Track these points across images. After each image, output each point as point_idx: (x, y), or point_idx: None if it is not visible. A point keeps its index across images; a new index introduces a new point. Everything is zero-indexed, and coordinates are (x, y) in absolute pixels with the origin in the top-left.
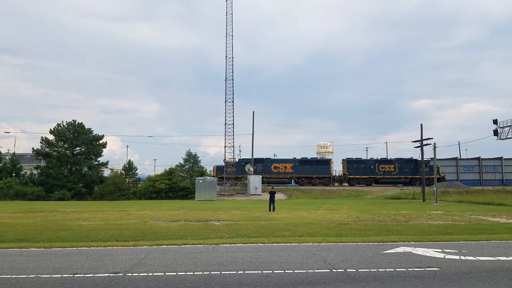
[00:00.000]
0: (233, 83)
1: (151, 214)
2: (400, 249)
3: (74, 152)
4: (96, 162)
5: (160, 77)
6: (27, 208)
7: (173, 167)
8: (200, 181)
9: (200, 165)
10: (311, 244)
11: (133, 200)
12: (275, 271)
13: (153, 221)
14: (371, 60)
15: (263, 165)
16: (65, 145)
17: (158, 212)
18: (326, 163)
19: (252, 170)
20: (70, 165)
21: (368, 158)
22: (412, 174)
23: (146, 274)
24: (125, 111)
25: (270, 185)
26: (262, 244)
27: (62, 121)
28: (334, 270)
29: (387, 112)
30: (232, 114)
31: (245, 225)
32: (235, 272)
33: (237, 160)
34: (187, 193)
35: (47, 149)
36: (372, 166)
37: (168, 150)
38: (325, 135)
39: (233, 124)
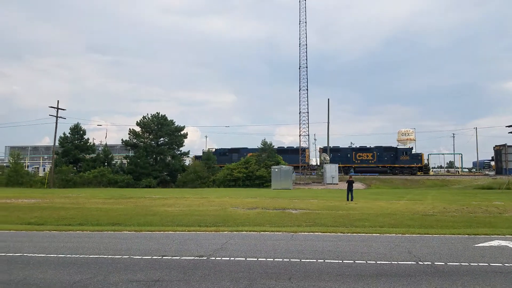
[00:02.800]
0: (307, 71)
1: (230, 202)
2: (495, 243)
3: (159, 143)
4: (178, 152)
5: (234, 68)
6: (118, 194)
7: (249, 156)
8: (276, 169)
9: (276, 154)
10: (393, 235)
11: (212, 188)
12: (356, 261)
13: (232, 208)
14: (455, 40)
15: (238, 155)
16: (150, 136)
17: (237, 199)
18: (302, 152)
19: (328, 159)
20: (155, 154)
21: (346, 146)
22: (392, 163)
23: (228, 258)
24: (202, 103)
25: (349, 174)
26: (342, 234)
27: (147, 114)
28: (420, 263)
29: (475, 95)
30: (306, 102)
31: (323, 214)
32: (315, 260)
33: (214, 150)
34: (263, 182)
35: (135, 140)
36: (348, 155)
37: (244, 139)
38: (405, 122)
39: (308, 112)
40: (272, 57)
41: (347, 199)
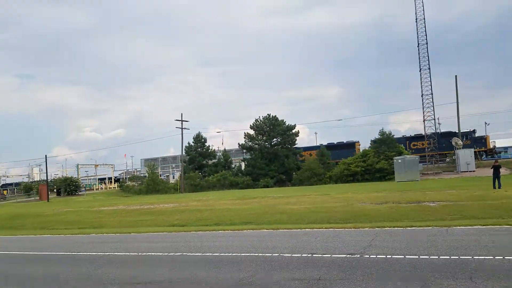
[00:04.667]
0: (427, 48)
1: (355, 197)
2: None
3: (272, 143)
4: (291, 151)
5: (341, 58)
6: (242, 195)
7: (367, 148)
8: (399, 160)
9: (396, 144)
10: None
11: (329, 184)
12: None
13: (360, 204)
14: None
15: None
16: (263, 138)
17: (360, 194)
18: (351, 146)
19: (461, 144)
20: (269, 155)
21: (400, 136)
22: (451, 149)
23: (384, 256)
24: (310, 99)
25: (494, 159)
26: (510, 226)
27: (259, 116)
28: None
29: None
30: (429, 82)
31: (468, 206)
32: (491, 257)
33: None
34: (384, 175)
35: (250, 143)
36: (401, 145)
37: (356, 131)
38: None
39: (432, 94)
40: (381, 39)
41: (494, 187)
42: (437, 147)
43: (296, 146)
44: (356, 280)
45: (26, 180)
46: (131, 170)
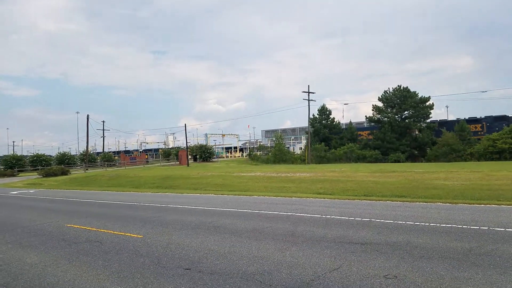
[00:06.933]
0: None
1: None
2: None
3: (403, 117)
4: (425, 124)
5: (472, 26)
6: (376, 169)
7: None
8: None
9: None
10: None
11: (471, 162)
12: None
13: None
14: None
15: None
16: (393, 110)
17: None
18: None
19: None
20: (400, 129)
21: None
22: None
23: None
24: (435, 71)
25: None
26: None
27: (388, 88)
28: None
29: None
30: None
31: None
32: None
33: None
34: None
35: (378, 116)
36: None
37: (495, 105)
38: None
39: None
40: None
41: None
42: None
43: (431, 119)
44: None
45: (161, 146)
46: (253, 140)
